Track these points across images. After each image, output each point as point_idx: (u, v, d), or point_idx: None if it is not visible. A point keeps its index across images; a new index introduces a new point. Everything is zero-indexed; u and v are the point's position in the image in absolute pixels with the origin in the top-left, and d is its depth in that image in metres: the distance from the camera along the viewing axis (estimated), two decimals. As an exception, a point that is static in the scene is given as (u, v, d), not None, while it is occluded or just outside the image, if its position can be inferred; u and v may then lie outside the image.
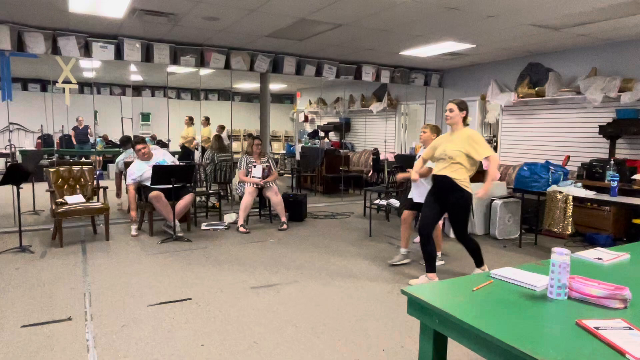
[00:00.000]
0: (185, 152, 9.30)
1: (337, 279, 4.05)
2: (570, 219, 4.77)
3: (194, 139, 9.58)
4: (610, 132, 5.63)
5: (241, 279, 4.01)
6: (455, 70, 8.29)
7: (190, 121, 9.72)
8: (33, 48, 5.43)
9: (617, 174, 4.75)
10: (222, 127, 10.03)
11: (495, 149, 7.50)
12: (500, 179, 6.79)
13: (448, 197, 3.73)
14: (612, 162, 5.31)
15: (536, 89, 6.58)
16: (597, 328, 1.41)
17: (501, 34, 5.59)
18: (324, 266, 4.32)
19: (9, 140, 8.70)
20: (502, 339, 1.35)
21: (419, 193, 4.32)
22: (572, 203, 4.76)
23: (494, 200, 5.81)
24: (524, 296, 1.73)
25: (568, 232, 4.86)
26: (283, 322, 3.16)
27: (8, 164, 8.14)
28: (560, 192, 4.84)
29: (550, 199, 4.92)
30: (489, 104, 7.54)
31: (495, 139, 7.62)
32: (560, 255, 1.67)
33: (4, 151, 9.98)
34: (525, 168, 5.34)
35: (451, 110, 3.73)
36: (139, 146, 5.46)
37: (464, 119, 3.76)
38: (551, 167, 5.20)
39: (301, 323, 3.14)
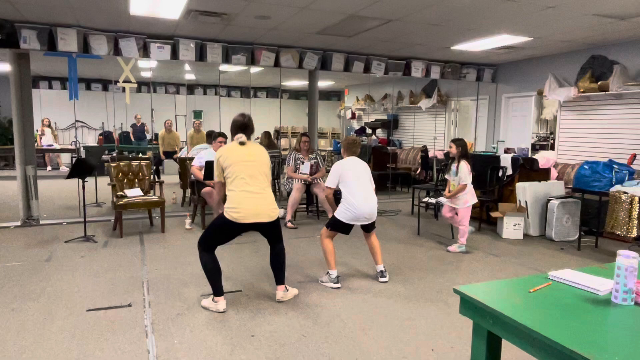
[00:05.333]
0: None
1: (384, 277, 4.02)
2: (636, 221, 4.48)
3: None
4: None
5: (288, 273, 4.08)
6: (510, 64, 7.97)
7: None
8: (97, 50, 5.77)
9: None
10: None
11: (552, 146, 7.16)
12: (558, 178, 6.47)
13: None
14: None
15: (599, 83, 6.21)
16: (668, 336, 1.33)
17: (561, 26, 5.32)
18: (370, 263, 4.31)
19: (75, 137, 9.29)
20: (563, 343, 1.29)
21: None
22: (638, 204, 4.46)
23: (550, 200, 5.55)
24: (585, 300, 1.65)
25: (633, 235, 4.57)
26: (330, 317, 3.19)
27: (74, 159, 8.72)
28: (625, 193, 4.56)
29: (613, 200, 4.64)
30: (546, 100, 7.20)
31: (552, 136, 7.27)
32: (627, 258, 1.58)
33: (70, 147, 10.68)
34: (586, 167, 5.06)
35: None
36: (220, 138, 5.85)
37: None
38: (615, 166, 4.90)
39: (348, 319, 3.16)
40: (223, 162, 3.20)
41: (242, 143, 3.24)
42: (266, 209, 3.20)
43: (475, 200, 4.86)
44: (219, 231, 3.23)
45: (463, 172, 4.72)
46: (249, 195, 3.15)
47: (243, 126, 3.28)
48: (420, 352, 2.72)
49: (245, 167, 3.19)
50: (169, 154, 9.02)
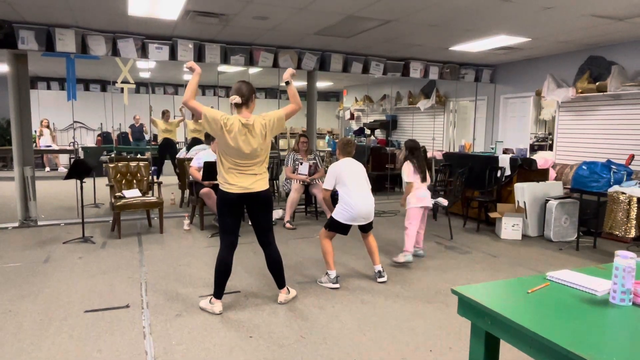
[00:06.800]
0: (169, 145, 8.96)
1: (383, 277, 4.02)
2: (634, 222, 4.48)
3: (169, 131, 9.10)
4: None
5: (287, 274, 4.06)
6: (508, 65, 7.98)
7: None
8: (95, 50, 5.76)
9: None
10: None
11: (550, 147, 7.17)
12: (557, 179, 6.48)
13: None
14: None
15: (597, 83, 6.22)
16: (666, 337, 1.33)
17: (559, 26, 5.32)
18: (369, 264, 4.30)
19: (73, 137, 9.27)
20: (561, 344, 1.29)
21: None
22: (636, 205, 4.47)
23: (549, 200, 5.56)
24: (583, 300, 1.65)
25: (631, 236, 4.58)
26: (329, 317, 3.18)
27: (72, 159, 8.69)
28: (623, 193, 4.56)
29: (611, 200, 4.65)
30: (544, 100, 7.21)
31: (550, 136, 7.28)
32: (625, 258, 1.57)
33: (68, 147, 10.66)
34: (584, 167, 5.07)
35: None
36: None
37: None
38: (613, 167, 4.91)
39: (347, 319, 3.15)
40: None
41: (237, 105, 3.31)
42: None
43: (421, 203, 4.44)
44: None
45: (403, 172, 4.49)
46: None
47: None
48: (418, 352, 2.72)
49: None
50: (169, 143, 8.88)
